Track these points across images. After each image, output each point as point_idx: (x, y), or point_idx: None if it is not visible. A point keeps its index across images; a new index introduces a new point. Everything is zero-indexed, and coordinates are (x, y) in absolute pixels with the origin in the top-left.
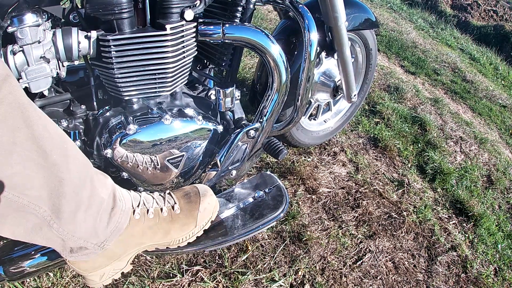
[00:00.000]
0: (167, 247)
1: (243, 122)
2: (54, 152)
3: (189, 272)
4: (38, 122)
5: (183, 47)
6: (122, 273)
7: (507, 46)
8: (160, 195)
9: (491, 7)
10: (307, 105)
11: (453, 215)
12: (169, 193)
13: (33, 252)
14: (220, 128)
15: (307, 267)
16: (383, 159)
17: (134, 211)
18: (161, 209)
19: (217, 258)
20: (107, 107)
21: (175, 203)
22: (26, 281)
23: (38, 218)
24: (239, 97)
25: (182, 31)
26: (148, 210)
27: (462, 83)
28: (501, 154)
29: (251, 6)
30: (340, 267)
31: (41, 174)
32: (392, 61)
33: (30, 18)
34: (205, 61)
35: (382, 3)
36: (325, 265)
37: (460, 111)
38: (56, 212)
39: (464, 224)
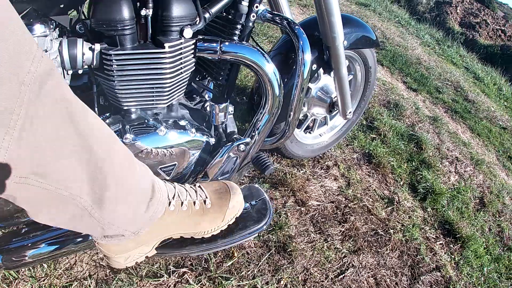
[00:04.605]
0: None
1: (235, 136)
2: (99, 146)
3: (176, 273)
4: (83, 116)
5: (181, 63)
6: (146, 257)
7: None
8: (191, 187)
9: (500, 26)
10: (303, 119)
11: (441, 236)
12: (199, 187)
13: (29, 244)
14: (212, 140)
15: (289, 277)
16: (375, 176)
17: (169, 202)
18: (194, 202)
19: (203, 262)
20: (107, 114)
21: (206, 197)
22: (21, 270)
23: (79, 208)
24: (233, 112)
25: (181, 48)
26: (182, 203)
27: (464, 103)
28: (496, 176)
29: (250, 24)
30: (322, 279)
31: (85, 168)
32: (395, 76)
33: (38, 28)
34: (204, 73)
35: (390, 17)
36: (307, 277)
37: (459, 130)
38: (97, 203)
39: (451, 245)
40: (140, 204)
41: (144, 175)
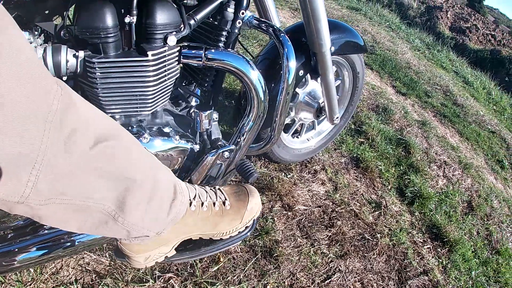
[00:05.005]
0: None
1: (219, 143)
2: (120, 153)
3: (162, 278)
4: (100, 127)
5: (165, 71)
6: (166, 257)
7: (502, 71)
8: (211, 189)
9: (490, 31)
10: (291, 123)
11: (428, 240)
12: (219, 189)
13: (16, 250)
14: (196, 147)
15: (276, 282)
16: (363, 180)
17: (191, 203)
18: (214, 204)
19: (189, 267)
20: None
21: (225, 199)
22: (8, 275)
23: (103, 214)
24: (217, 119)
25: (165, 56)
26: (203, 203)
27: (453, 107)
28: (484, 180)
29: (236, 30)
30: (308, 284)
31: (108, 177)
32: (384, 80)
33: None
34: (190, 78)
35: (381, 21)
36: (293, 282)
37: (447, 135)
38: (120, 207)
39: (439, 249)
40: (163, 206)
41: (166, 177)
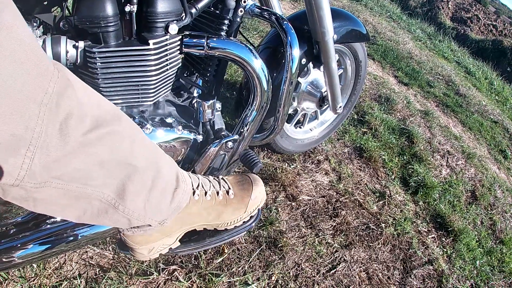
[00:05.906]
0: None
1: (223, 133)
2: (119, 141)
3: (166, 271)
4: (101, 113)
5: (167, 60)
6: (170, 248)
7: (504, 61)
8: (214, 179)
9: (491, 21)
10: (294, 113)
11: (433, 229)
12: (222, 179)
13: (19, 245)
14: (199, 137)
15: (281, 273)
16: (367, 170)
17: (194, 192)
18: (217, 193)
19: (193, 259)
20: None
21: (229, 188)
22: (11, 271)
23: (102, 202)
24: (220, 109)
25: (166, 45)
26: (206, 193)
27: (455, 97)
28: (488, 170)
29: (238, 19)
30: (313, 274)
31: (107, 164)
32: (386, 71)
33: None
34: (192, 69)
35: (381, 12)
36: (298, 272)
37: (450, 124)
38: (121, 195)
39: (443, 239)
40: (166, 194)
41: (168, 166)
